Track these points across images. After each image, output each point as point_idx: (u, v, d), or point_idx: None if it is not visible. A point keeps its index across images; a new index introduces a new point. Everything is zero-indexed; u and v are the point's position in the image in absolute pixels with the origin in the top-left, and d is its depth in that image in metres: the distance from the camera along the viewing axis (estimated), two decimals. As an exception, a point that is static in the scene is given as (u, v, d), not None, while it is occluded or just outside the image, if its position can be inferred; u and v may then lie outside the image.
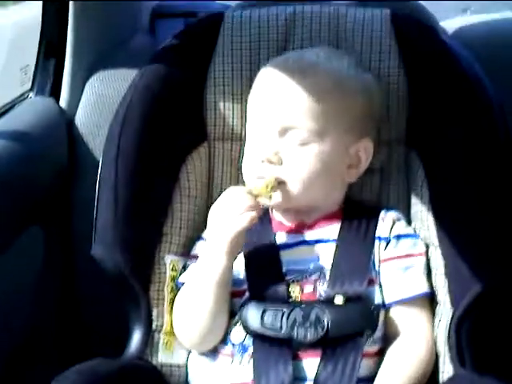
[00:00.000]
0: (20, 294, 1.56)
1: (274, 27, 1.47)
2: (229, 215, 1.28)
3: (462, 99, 1.39)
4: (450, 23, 1.83)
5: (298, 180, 1.32)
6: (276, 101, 1.34)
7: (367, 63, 1.44)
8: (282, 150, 1.33)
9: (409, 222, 1.41)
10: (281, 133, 1.33)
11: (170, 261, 1.39)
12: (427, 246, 1.36)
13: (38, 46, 1.77)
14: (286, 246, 1.34)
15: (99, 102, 1.74)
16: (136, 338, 1.34)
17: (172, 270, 1.38)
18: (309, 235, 1.35)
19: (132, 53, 1.83)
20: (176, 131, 1.44)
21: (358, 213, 1.37)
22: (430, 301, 1.33)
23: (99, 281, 1.38)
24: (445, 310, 1.31)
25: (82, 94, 1.76)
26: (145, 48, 1.83)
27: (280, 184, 1.32)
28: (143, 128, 1.40)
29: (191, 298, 1.32)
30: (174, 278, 1.38)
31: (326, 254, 1.32)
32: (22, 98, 1.79)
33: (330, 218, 1.37)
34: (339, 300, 1.26)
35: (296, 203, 1.35)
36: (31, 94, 1.79)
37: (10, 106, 1.74)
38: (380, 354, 1.29)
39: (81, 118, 1.74)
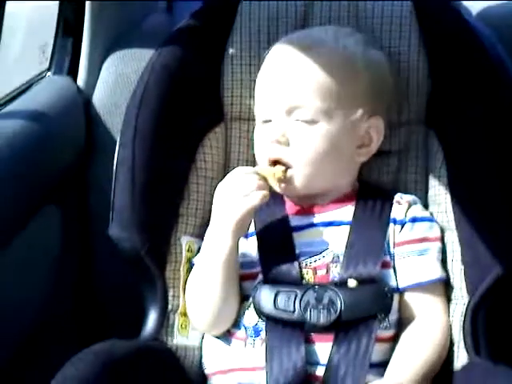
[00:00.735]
0: (37, 274, 1.57)
1: (293, 7, 1.46)
2: (237, 194, 1.27)
3: (483, 78, 1.37)
4: (474, 3, 1.80)
5: (306, 162, 1.31)
6: (282, 80, 1.33)
7: (387, 43, 1.42)
8: (289, 130, 1.32)
9: (426, 206, 1.39)
10: (288, 112, 1.32)
11: (185, 242, 1.39)
12: (444, 231, 1.35)
13: (55, 24, 1.77)
14: (299, 227, 1.33)
15: (117, 81, 1.74)
16: (152, 318, 1.34)
17: (188, 251, 1.39)
18: (322, 217, 1.34)
19: (149, 32, 1.83)
20: (193, 112, 1.43)
21: (373, 195, 1.36)
22: (445, 286, 1.32)
23: (116, 261, 1.38)
24: (460, 296, 1.30)
25: (99, 73, 1.76)
26: (162, 27, 1.82)
27: (288, 170, 1.30)
28: (160, 109, 1.40)
29: (200, 279, 1.32)
30: (189, 259, 1.38)
31: (339, 236, 1.31)
32: (39, 76, 1.79)
33: (343, 199, 1.36)
34: (352, 283, 1.26)
35: (306, 189, 1.33)
36: (49, 73, 1.78)
37: (28, 85, 1.74)
38: (395, 339, 1.28)
39: (98, 97, 1.74)
